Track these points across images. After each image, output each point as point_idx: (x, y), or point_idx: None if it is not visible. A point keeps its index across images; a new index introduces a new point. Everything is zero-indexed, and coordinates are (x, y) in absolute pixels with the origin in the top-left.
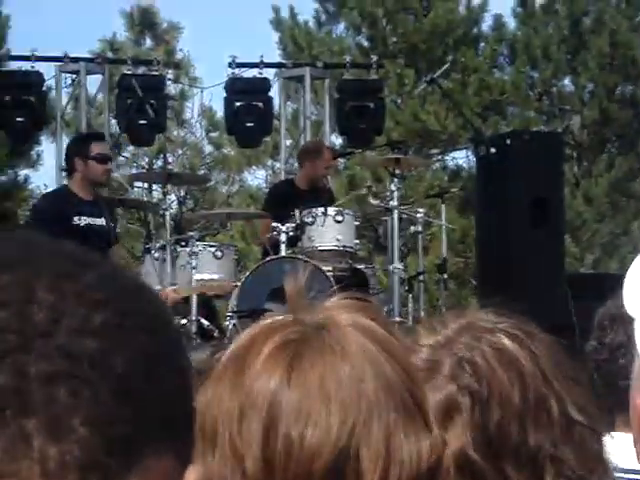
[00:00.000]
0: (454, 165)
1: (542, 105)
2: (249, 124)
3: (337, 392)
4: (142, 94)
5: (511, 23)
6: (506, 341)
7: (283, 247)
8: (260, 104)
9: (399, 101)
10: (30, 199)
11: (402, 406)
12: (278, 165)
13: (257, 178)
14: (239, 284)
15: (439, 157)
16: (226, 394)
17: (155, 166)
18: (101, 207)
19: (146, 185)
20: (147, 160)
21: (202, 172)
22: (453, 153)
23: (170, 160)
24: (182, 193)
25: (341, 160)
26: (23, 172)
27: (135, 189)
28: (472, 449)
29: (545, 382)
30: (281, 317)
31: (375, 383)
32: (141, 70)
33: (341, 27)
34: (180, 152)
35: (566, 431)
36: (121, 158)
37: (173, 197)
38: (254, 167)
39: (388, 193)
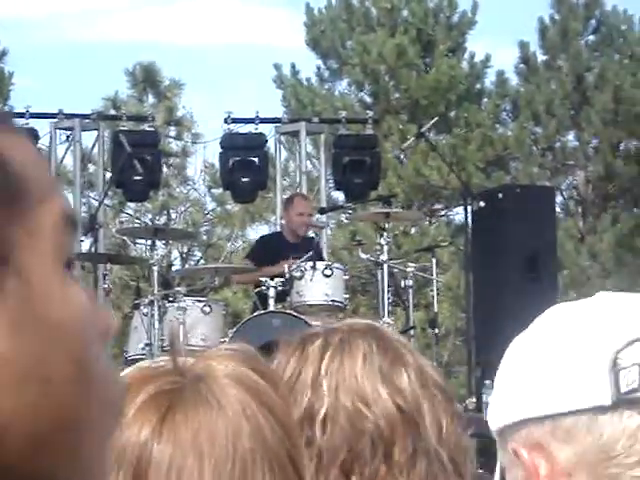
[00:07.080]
0: (459, 220)
1: (546, 160)
2: (244, 179)
3: (211, 449)
4: (132, 150)
5: (514, 79)
6: None
7: (272, 302)
8: (255, 159)
9: (402, 157)
10: None
11: (277, 465)
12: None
13: (260, 234)
14: (227, 339)
15: (443, 212)
16: None
17: (159, 222)
18: None
19: (149, 242)
20: (150, 217)
21: (205, 228)
22: (457, 208)
23: (173, 216)
24: (185, 249)
25: (344, 215)
26: None
27: (137, 245)
28: None
29: None
30: (159, 364)
31: (251, 441)
32: (138, 126)
33: (344, 83)
34: (183, 209)
35: None
36: (124, 214)
37: (176, 253)
38: (257, 223)
39: (378, 247)
